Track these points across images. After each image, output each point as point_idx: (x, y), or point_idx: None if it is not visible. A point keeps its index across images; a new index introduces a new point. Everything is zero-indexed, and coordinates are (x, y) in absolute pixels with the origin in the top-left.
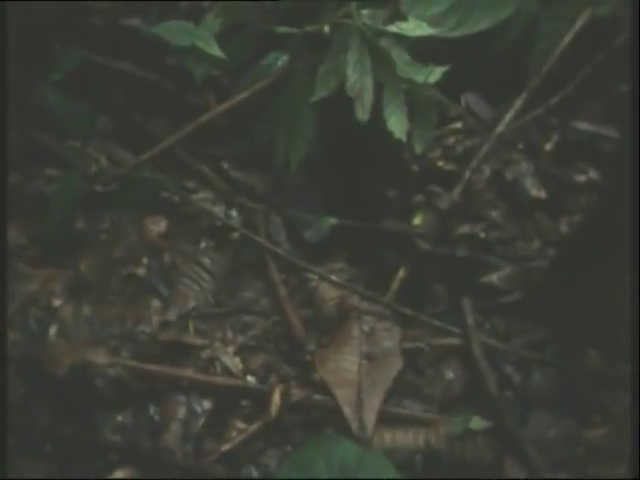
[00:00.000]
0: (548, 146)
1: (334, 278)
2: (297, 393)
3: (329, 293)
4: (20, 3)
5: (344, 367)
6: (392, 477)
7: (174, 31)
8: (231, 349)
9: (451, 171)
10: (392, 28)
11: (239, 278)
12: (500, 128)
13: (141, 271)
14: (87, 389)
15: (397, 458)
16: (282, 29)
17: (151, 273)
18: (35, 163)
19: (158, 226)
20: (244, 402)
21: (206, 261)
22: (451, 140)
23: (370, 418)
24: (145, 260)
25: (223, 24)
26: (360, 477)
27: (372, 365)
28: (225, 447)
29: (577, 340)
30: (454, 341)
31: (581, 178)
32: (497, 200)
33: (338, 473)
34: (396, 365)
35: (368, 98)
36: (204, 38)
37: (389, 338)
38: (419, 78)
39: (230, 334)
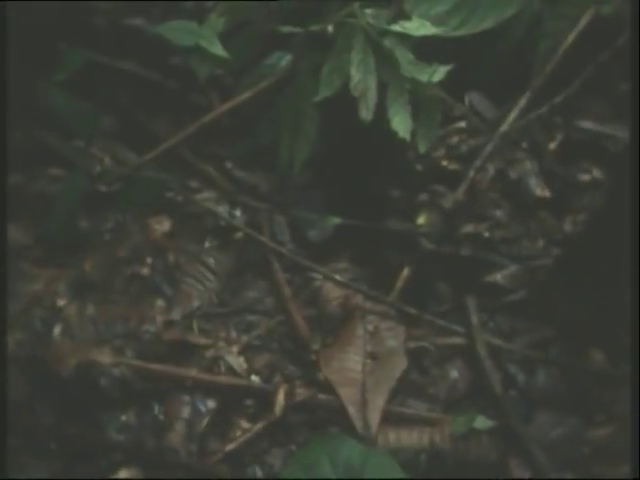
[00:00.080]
0: (552, 145)
1: (338, 277)
2: (301, 392)
3: (333, 292)
4: (23, 3)
5: (348, 366)
6: (397, 476)
7: (178, 31)
8: (235, 348)
9: (455, 170)
10: (396, 27)
11: (243, 278)
12: (504, 127)
13: (145, 271)
14: (91, 389)
15: (401, 457)
16: (286, 29)
17: (155, 273)
18: (39, 163)
19: (162, 226)
20: (248, 401)
21: (210, 261)
22: (455, 139)
23: (374, 417)
24: (149, 260)
25: (226, 23)
26: (365, 476)
27: (376, 364)
28: (229, 446)
29: (581, 339)
30: (458, 340)
31: (585, 177)
32: (501, 199)
33: (343, 472)
34: (400, 364)
35: (372, 97)
36: (208, 38)
37: (393, 337)
38: (423, 77)
39: (234, 333)
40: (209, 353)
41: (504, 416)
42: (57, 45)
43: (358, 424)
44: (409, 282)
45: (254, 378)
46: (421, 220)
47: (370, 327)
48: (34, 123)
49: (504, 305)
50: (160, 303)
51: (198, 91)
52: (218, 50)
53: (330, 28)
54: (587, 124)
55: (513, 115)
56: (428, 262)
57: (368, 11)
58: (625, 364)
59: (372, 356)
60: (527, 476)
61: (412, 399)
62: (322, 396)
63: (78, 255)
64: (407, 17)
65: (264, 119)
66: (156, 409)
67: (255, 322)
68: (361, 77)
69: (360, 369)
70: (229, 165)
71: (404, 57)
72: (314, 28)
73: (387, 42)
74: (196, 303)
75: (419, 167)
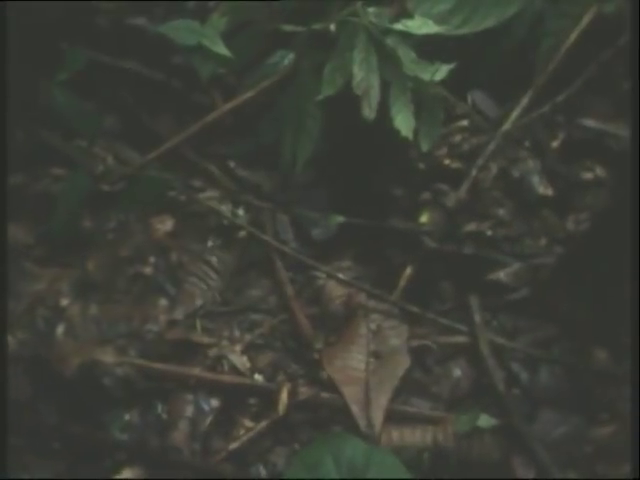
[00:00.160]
0: (555, 144)
1: (341, 276)
2: (304, 391)
3: (336, 291)
4: (25, 3)
5: (351, 365)
6: (400, 475)
7: (180, 30)
8: (238, 347)
9: (458, 169)
10: (398, 26)
11: (246, 276)
12: (506, 126)
13: (148, 270)
14: (95, 388)
15: (405, 456)
16: (288, 28)
17: (158, 272)
18: (42, 162)
19: (165, 225)
20: (252, 400)
21: (213, 260)
22: (457, 138)
23: (378, 416)
24: (152, 259)
25: (229, 23)
26: (368, 475)
27: (379, 363)
28: (233, 445)
29: (584, 338)
30: (461, 339)
31: (588, 175)
32: (504, 198)
33: (346, 471)
34: (403, 363)
35: (374, 96)
36: (210, 37)
37: (396, 336)
38: (425, 76)
39: (237, 332)
40: (212, 352)
41: (507, 415)
42: (59, 45)
43: (361, 423)
44: (412, 281)
45: (257, 377)
46: (424, 219)
47: (373, 326)
48: (36, 123)
49: (507, 304)
50: (163, 302)
51: (201, 90)
52: (221, 49)
53: (332, 27)
54: (589, 123)
55: (515, 114)
56: (431, 261)
57: (370, 10)
58: (627, 362)
59: (375, 355)
60: (530, 475)
61: (415, 398)
62: (325, 395)
63: (81, 255)
64: (409, 16)
65: (267, 118)
66: (159, 408)
67: (258, 321)
68: (364, 76)
69: (363, 368)
70: (232, 164)
71: (407, 56)
72: (316, 27)
73: (389, 41)
74: (199, 302)
75: (422, 166)
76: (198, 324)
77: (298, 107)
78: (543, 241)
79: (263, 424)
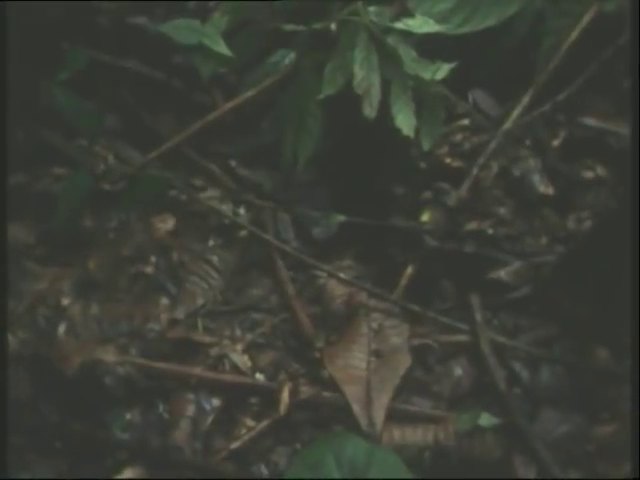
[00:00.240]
0: (556, 142)
1: (342, 275)
2: (306, 390)
3: (337, 290)
4: (25, 3)
5: (353, 364)
6: (402, 474)
7: (181, 29)
8: (240, 347)
9: (459, 168)
10: (399, 25)
11: (247, 276)
12: (507, 125)
13: (149, 269)
14: (96, 387)
15: (406, 455)
16: (289, 27)
17: (159, 271)
18: (42, 162)
19: (166, 224)
20: (253, 400)
21: (214, 259)
22: (458, 137)
23: (379, 415)
24: (153, 258)
25: (230, 22)
26: (370, 474)
27: (381, 362)
28: (234, 445)
29: (585, 337)
30: (462, 338)
31: (589, 174)
32: (505, 197)
33: (348, 470)
34: (405, 362)
35: (375, 95)
36: (211, 36)
37: (397, 335)
38: (426, 75)
39: (239, 332)
40: (213, 351)
41: (508, 413)
42: (60, 44)
43: (363, 422)
44: (413, 280)
45: (258, 376)
46: (425, 217)
47: (374, 325)
48: (37, 122)
49: (508, 303)
50: (164, 301)
51: (202, 90)
52: (221, 49)
53: (333, 26)
54: (590, 121)
55: (516, 112)
56: (432, 259)
57: (371, 9)
58: (628, 361)
59: (376, 354)
60: (531, 473)
61: (416, 397)
62: (326, 394)
63: (82, 254)
64: (410, 15)
65: (268, 117)
66: (161, 407)
67: (259, 320)
68: (364, 75)
69: (364, 367)
70: (233, 163)
71: (407, 55)
72: (317, 26)
73: (390, 40)
74: (200, 301)
75: (423, 165)
76: (199, 323)
77: (299, 106)
78: (544, 240)
79: (264, 423)
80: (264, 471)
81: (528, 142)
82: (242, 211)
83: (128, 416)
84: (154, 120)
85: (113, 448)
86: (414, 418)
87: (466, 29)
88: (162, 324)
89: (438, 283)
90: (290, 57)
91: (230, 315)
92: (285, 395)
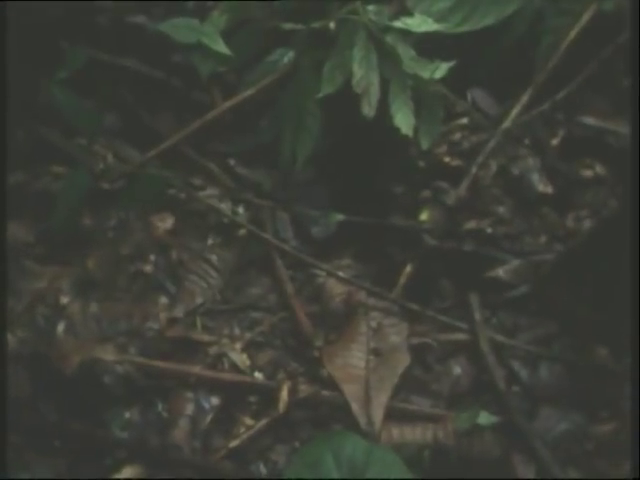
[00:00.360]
0: (554, 141)
1: (341, 274)
2: (305, 389)
3: (336, 289)
4: (25, 3)
5: (352, 363)
6: (401, 472)
7: (180, 28)
8: (239, 345)
9: (458, 167)
10: (398, 24)
11: (246, 275)
12: (506, 123)
13: (148, 268)
14: (95, 386)
15: (405, 454)
16: (288, 25)
17: (158, 270)
18: (42, 161)
19: (165, 223)
20: (252, 398)
21: (213, 258)
22: (457, 136)
23: (378, 414)
24: (152, 257)
25: (228, 21)
26: (369, 472)
27: (379, 361)
28: (233, 443)
29: (584, 335)
30: (461, 337)
31: (588, 173)
32: (504, 195)
33: (347, 469)
34: (403, 361)
35: (374, 94)
36: (210, 35)
37: (396, 334)
38: (425, 74)
39: (237, 330)
40: (212, 350)
41: (507, 412)
42: (59, 43)
43: (362, 420)
44: (412, 278)
45: (257, 375)
46: (424, 216)
47: (373, 324)
48: (37, 121)
49: (507, 301)
50: (163, 300)
51: (200, 88)
52: (220, 47)
53: (332, 25)
54: (589, 120)
55: (515, 111)
56: (431, 258)
57: (370, 8)
58: (628, 359)
59: (375, 352)
60: (530, 472)
61: (415, 395)
62: (325, 393)
63: (81, 253)
64: (409, 14)
65: (267, 116)
66: (160, 406)
67: (258, 319)
68: (363, 74)
69: (363, 365)
70: (232, 162)
71: (406, 54)
72: (316, 25)
73: (389, 39)
74: (199, 300)
75: (422, 163)
76: (198, 322)
77: (298, 105)
78: (543, 239)
79: (263, 422)
80: (263, 470)
81: (527, 141)
82: (241, 210)
83: (127, 415)
84: (153, 119)
85: (112, 447)
86: (413, 417)
87: (465, 28)
88: (161, 323)
89: (437, 282)
90: (289, 56)
91: (229, 314)
92: (284, 394)
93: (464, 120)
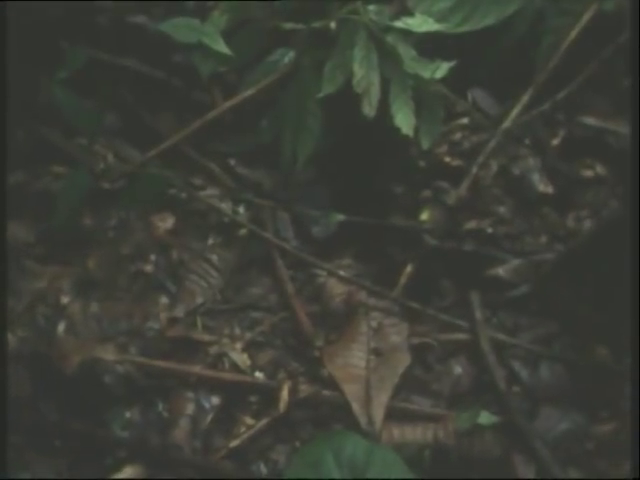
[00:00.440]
0: (555, 141)
1: (342, 273)
2: (305, 389)
3: (337, 289)
4: (25, 2)
5: (352, 363)
6: (401, 472)
7: (180, 28)
8: (239, 345)
9: (458, 167)
10: (398, 24)
11: (247, 274)
12: (507, 123)
13: (149, 268)
14: (95, 386)
15: (406, 453)
16: (288, 25)
17: (159, 270)
18: (42, 160)
19: (165, 223)
20: (252, 398)
21: (214, 257)
22: (458, 136)
23: (378, 414)
24: (153, 257)
25: (229, 21)
26: (369, 472)
27: (380, 361)
28: (233, 443)
29: (585, 335)
30: (462, 336)
31: (588, 173)
32: (504, 195)
33: (347, 469)
34: (404, 361)
35: (375, 94)
36: (210, 35)
37: (397, 334)
38: (426, 74)
39: (238, 330)
40: (213, 350)
41: (508, 412)
42: (60, 43)
43: (362, 420)
44: (412, 278)
45: (258, 375)
46: (424, 216)
47: (374, 323)
48: (37, 121)
49: (507, 301)
50: (164, 300)
51: (201, 88)
52: (221, 47)
53: (333, 25)
54: (590, 120)
55: (516, 111)
56: (431, 258)
57: (371, 8)
58: (628, 359)
59: (376, 352)
60: (531, 472)
61: (416, 395)
62: (326, 392)
63: (82, 252)
64: (410, 13)
65: (267, 116)
66: (160, 406)
67: (259, 319)
68: (364, 74)
69: (364, 365)
70: (232, 162)
71: (407, 53)
72: (317, 25)
73: (390, 38)
74: (200, 300)
75: (422, 163)
76: (199, 322)
77: (298, 105)
78: (543, 239)
79: (264, 422)
80: (263, 469)
81: (527, 141)
82: (241, 210)
83: (128, 415)
84: (153, 119)
85: (113, 447)
86: (414, 417)
87: (465, 28)
88: (161, 323)
89: (438, 282)
90: (289, 56)
91: (229, 314)
92: (284, 393)
93: (465, 120)
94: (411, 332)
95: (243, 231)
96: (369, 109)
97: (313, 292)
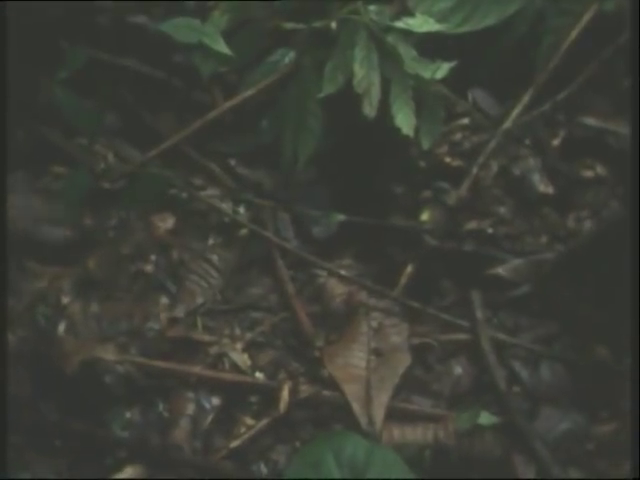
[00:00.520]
0: (555, 142)
1: (343, 272)
2: (305, 389)
3: (337, 289)
4: (26, 3)
5: (352, 363)
6: (402, 472)
7: (181, 28)
8: (239, 345)
9: (458, 167)
10: (399, 24)
11: (247, 274)
12: (507, 124)
13: (149, 268)
14: (96, 386)
15: (406, 453)
16: (289, 25)
17: (159, 270)
18: (42, 160)
19: (166, 223)
20: (253, 398)
21: (214, 258)
22: (458, 136)
23: (379, 414)
24: (153, 257)
25: (229, 21)
26: (370, 472)
27: (380, 361)
28: (234, 443)
29: (585, 335)
30: (462, 337)
31: (588, 173)
32: (505, 196)
33: (347, 469)
34: (404, 361)
35: (375, 94)
36: (211, 35)
37: (397, 334)
38: (426, 74)
39: (238, 330)
40: (213, 350)
41: (508, 412)
42: (60, 43)
43: (362, 420)
44: (413, 279)
45: (258, 375)
46: (425, 217)
47: (374, 324)
48: (37, 121)
49: (507, 301)
50: (164, 300)
51: (201, 88)
52: (221, 47)
53: (333, 25)
54: (590, 121)
55: (516, 112)
56: (432, 259)
57: (371, 8)
58: (629, 359)
59: (376, 352)
60: (531, 472)
61: (416, 395)
62: (326, 393)
63: (82, 253)
64: (410, 14)
65: (267, 116)
66: (160, 406)
67: (259, 319)
68: (365, 74)
69: (364, 366)
70: (233, 162)
71: (407, 54)
72: (317, 25)
73: (390, 39)
74: (200, 300)
75: (422, 164)
76: (199, 322)
77: (299, 105)
78: (544, 239)
79: (264, 422)
80: (264, 470)
81: (528, 141)
82: (242, 210)
83: (128, 415)
84: (154, 119)
85: (113, 447)
86: (414, 417)
87: (466, 28)
88: (162, 323)
89: (438, 282)
90: (290, 56)
91: (230, 314)
92: (285, 394)
93: (465, 120)
94: (411, 332)
95: (243, 231)
96: (370, 109)
97: (313, 292)
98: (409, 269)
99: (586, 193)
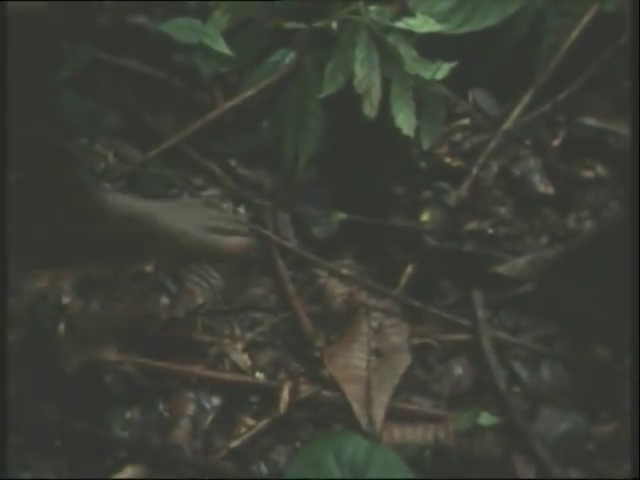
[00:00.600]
0: (556, 142)
1: (345, 271)
2: (306, 389)
3: (337, 289)
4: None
5: (353, 363)
6: (402, 472)
7: (181, 28)
8: (240, 346)
9: (459, 167)
10: (400, 24)
11: (247, 275)
12: (507, 124)
13: (149, 268)
14: (96, 386)
15: (406, 454)
16: (290, 25)
17: (159, 270)
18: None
19: None
20: (253, 398)
21: None
22: (458, 136)
23: (379, 414)
24: (153, 257)
25: (230, 21)
26: (370, 473)
27: (381, 361)
28: (234, 443)
29: (586, 335)
30: (463, 337)
31: (588, 174)
32: (505, 196)
33: (348, 469)
34: (405, 361)
35: (376, 94)
36: (211, 35)
37: (398, 334)
38: (427, 74)
39: (238, 331)
40: (213, 350)
41: (508, 413)
42: (60, 43)
43: (363, 421)
44: (413, 279)
45: (258, 375)
46: (425, 217)
47: (374, 324)
48: (37, 121)
49: (508, 301)
50: (164, 300)
51: (202, 89)
52: (222, 48)
53: (334, 25)
54: (590, 121)
55: (516, 112)
56: (432, 259)
57: (372, 8)
58: (629, 360)
59: (376, 353)
60: (531, 472)
61: (416, 396)
62: (326, 393)
63: (82, 253)
64: (411, 14)
65: (268, 116)
66: (161, 406)
67: (259, 319)
68: (365, 74)
69: (364, 366)
70: (233, 162)
71: (408, 54)
72: (318, 25)
73: (391, 39)
74: (200, 300)
75: (423, 164)
76: (199, 322)
77: (299, 105)
78: (544, 239)
79: (264, 422)
80: (264, 470)
81: (528, 142)
82: (242, 210)
83: (128, 415)
84: (154, 119)
85: (113, 447)
86: (414, 417)
87: (466, 28)
88: (162, 323)
89: (438, 283)
90: (290, 56)
91: (230, 314)
92: (285, 394)
93: (465, 121)
94: (412, 333)
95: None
96: (370, 110)
97: (314, 292)
98: (409, 269)
99: (586, 193)
